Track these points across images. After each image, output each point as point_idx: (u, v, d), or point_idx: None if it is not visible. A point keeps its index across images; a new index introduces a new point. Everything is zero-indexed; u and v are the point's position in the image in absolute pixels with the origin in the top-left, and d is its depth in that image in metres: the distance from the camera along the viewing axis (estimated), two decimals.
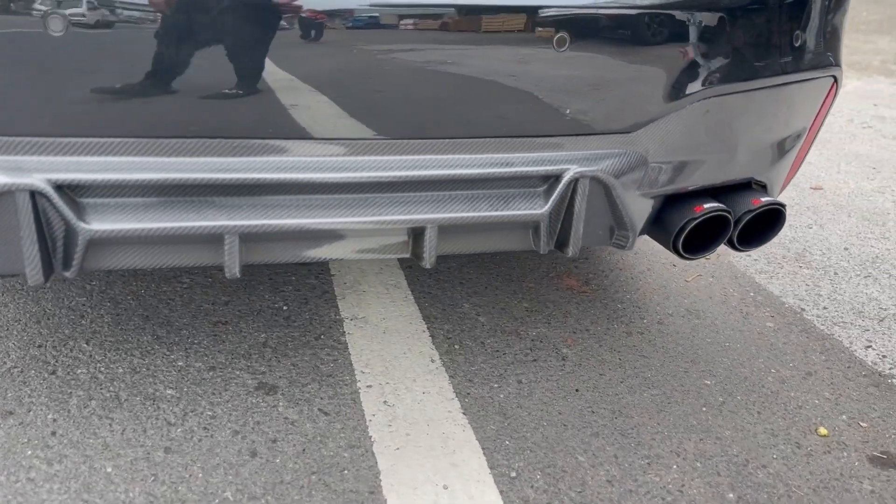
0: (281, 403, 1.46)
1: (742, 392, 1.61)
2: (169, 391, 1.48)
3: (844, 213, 2.63)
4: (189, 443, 1.34)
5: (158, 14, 0.88)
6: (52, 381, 1.48)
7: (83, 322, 1.69)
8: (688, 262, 2.26)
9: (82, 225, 0.91)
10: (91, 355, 1.57)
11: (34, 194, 0.90)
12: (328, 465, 1.31)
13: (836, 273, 2.21)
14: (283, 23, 0.92)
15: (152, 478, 1.25)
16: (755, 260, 2.28)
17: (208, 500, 1.22)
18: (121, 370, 1.53)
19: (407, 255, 1.13)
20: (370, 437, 1.39)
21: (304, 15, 0.93)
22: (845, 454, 1.44)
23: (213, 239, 1.00)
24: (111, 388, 1.47)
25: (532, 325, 1.82)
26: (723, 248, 2.39)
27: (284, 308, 1.82)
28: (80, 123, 0.90)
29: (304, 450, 1.35)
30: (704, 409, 1.55)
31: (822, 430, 1.50)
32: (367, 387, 1.53)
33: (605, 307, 1.94)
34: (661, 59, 1.08)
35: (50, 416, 1.38)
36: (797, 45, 1.20)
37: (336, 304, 1.86)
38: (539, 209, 1.08)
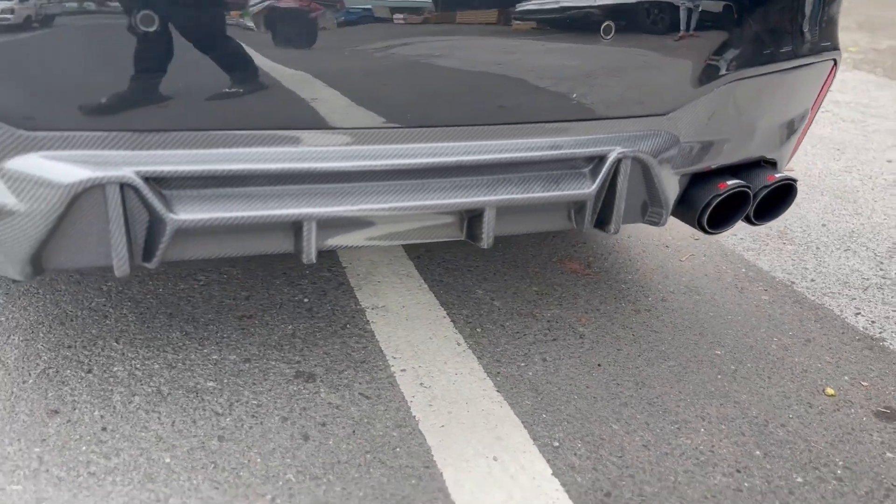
0: (322, 390, 1.50)
1: (751, 360, 1.72)
2: (210, 383, 1.50)
3: (817, 192, 2.78)
4: (240, 431, 1.37)
5: (238, 14, 0.92)
6: (90, 380, 1.48)
7: (108, 322, 1.69)
8: (679, 243, 2.37)
9: (171, 215, 0.94)
10: (123, 353, 1.57)
11: (123, 187, 0.93)
12: (380, 444, 1.36)
13: (817, 248, 2.34)
14: (363, 18, 0.96)
15: (212, 465, 1.28)
16: (741, 239, 2.40)
17: (272, 482, 1.25)
18: (157, 366, 1.54)
19: (461, 237, 1.19)
20: (414, 416, 1.44)
21: (383, 8, 0.97)
22: (853, 411, 1.55)
23: (290, 226, 1.03)
24: (151, 383, 1.48)
25: (545, 307, 1.89)
26: None
27: (305, 300, 1.85)
28: (165, 118, 0.93)
29: (353, 431, 1.39)
30: (719, 376, 1.64)
31: (829, 391, 1.61)
32: (402, 371, 1.58)
33: (610, 288, 2.03)
34: (694, 46, 1.16)
35: (97, 413, 1.39)
36: (807, 30, 1.30)
37: (354, 295, 1.90)
38: (587, 189, 1.15)
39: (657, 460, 1.37)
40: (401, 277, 2.01)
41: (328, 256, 2.15)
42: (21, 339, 1.60)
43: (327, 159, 1.00)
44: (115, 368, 1.52)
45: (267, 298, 1.84)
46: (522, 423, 1.45)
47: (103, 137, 0.92)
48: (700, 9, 1.14)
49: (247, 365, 1.57)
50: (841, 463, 1.40)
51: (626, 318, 1.87)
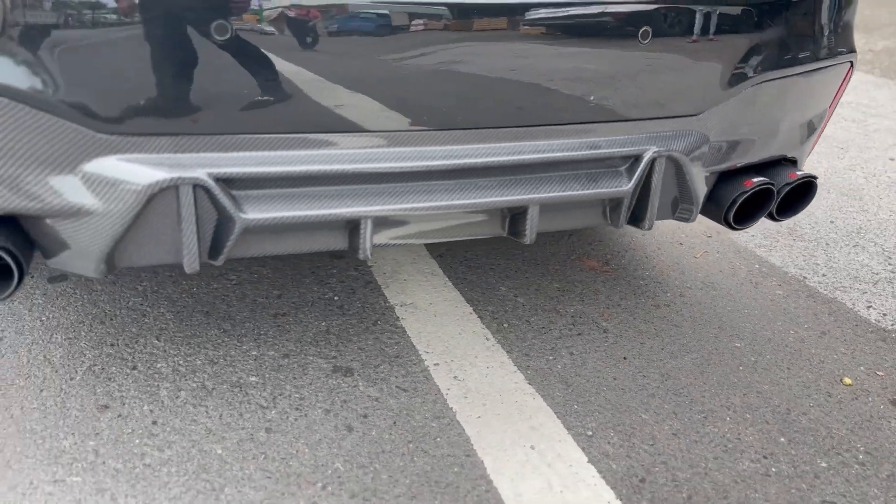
0: (360, 383, 1.55)
1: (769, 352, 1.77)
2: (252, 378, 1.55)
3: (824, 190, 2.85)
4: (286, 423, 1.42)
5: (301, 25, 0.97)
6: (136, 376, 1.53)
7: (146, 320, 1.73)
8: (693, 240, 2.43)
9: (240, 214, 0.99)
10: (165, 350, 1.62)
11: (196, 188, 0.98)
12: (420, 434, 1.41)
13: (827, 244, 2.41)
14: (406, 23, 1.01)
15: (262, 455, 1.33)
16: (752, 236, 2.46)
17: (321, 471, 1.30)
18: (199, 362, 1.59)
19: (503, 234, 1.24)
20: (451, 408, 1.49)
21: (443, 13, 1.03)
22: (870, 399, 1.61)
23: (347, 224, 1.08)
24: (195, 378, 1.53)
25: (568, 303, 1.95)
26: (719, 227, 2.57)
27: (335, 298, 1.90)
28: (234, 122, 0.98)
29: (395, 422, 1.44)
30: (741, 367, 1.70)
31: (847, 380, 1.67)
32: (435, 365, 1.63)
33: (628, 284, 2.08)
34: (723, 51, 1.21)
35: (146, 408, 1.43)
36: (826, 35, 1.36)
37: (382, 293, 1.95)
38: (623, 186, 1.21)
39: (687, 448, 1.43)
40: (426, 275, 2.06)
41: (352, 255, 2.20)
42: (64, 337, 1.64)
43: (385, 160, 1.05)
44: (159, 365, 1.57)
45: (298, 296, 1.89)
46: (556, 413, 1.50)
47: (177, 141, 0.97)
48: (729, 15, 1.20)
49: (286, 360, 1.62)
50: (862, 448, 1.46)
51: (647, 313, 1.93)
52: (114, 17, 0.90)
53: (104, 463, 1.29)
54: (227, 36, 0.94)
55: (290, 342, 1.69)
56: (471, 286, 2.01)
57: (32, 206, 0.97)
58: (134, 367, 1.55)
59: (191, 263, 1.02)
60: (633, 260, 2.26)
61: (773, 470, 1.39)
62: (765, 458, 1.42)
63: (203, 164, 0.98)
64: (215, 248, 1.04)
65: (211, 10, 0.93)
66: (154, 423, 1.40)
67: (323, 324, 1.77)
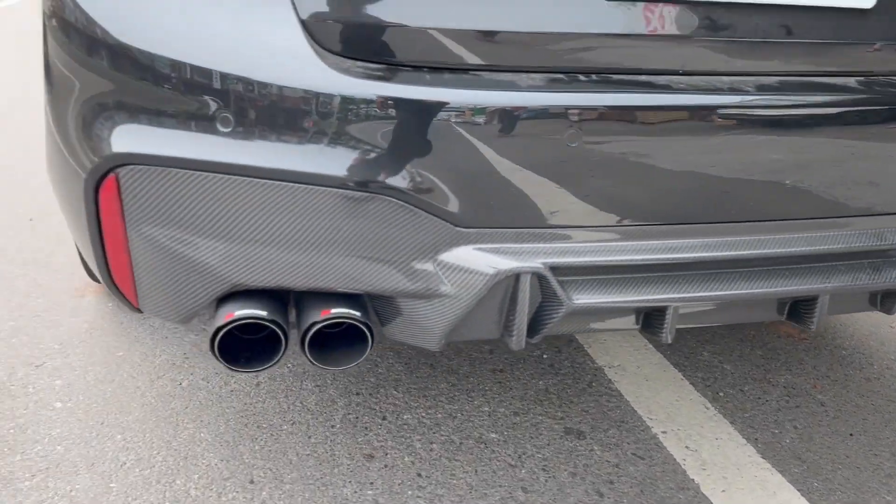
0: (595, 448, 1.61)
1: None
2: (492, 435, 1.63)
3: None
4: (538, 483, 1.49)
5: (646, 129, 1.06)
6: (388, 426, 1.64)
7: (380, 371, 1.86)
8: None
9: (570, 301, 1.08)
10: (406, 402, 1.73)
11: (534, 276, 1.08)
12: None
13: None
14: (717, 121, 1.08)
15: None
16: None
17: None
18: (440, 416, 1.69)
19: (781, 319, 1.28)
20: (692, 479, 1.53)
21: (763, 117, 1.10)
22: None
23: (649, 309, 1.16)
24: (441, 432, 1.63)
25: (776, 372, 1.95)
26: None
27: (544, 357, 1.98)
28: (571, 217, 1.08)
29: (641, 491, 1.49)
30: None
31: None
32: (663, 432, 1.68)
33: (831, 354, 2.07)
34: None
35: (406, 459, 1.54)
36: None
37: (587, 353, 2.01)
38: None
39: None
40: (625, 336, 2.11)
41: None
42: (314, 384, 1.78)
43: (695, 250, 1.12)
44: (405, 416, 1.68)
45: (508, 353, 1.98)
46: (798, 490, 1.51)
47: (520, 233, 1.07)
48: None
49: (518, 418, 1.70)
50: None
51: (860, 385, 1.91)
52: (481, 143, 1.02)
53: None
54: (575, 144, 1.04)
55: (516, 399, 1.77)
56: (672, 349, 2.05)
57: (394, 288, 1.09)
58: (384, 418, 1.67)
59: (518, 342, 1.12)
60: (827, 328, 2.24)
61: None
62: None
63: (540, 254, 1.08)
64: (534, 328, 1.14)
65: (560, 122, 1.03)
66: (419, 475, 1.50)
67: (540, 383, 1.85)
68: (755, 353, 2.05)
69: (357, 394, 1.76)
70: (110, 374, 1.79)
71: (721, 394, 1.85)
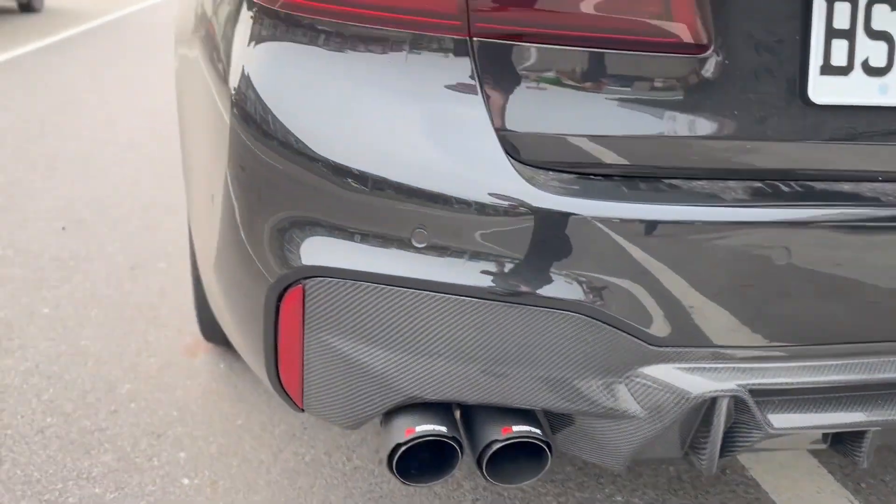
0: None
1: None
2: None
3: None
4: None
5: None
6: None
7: None
8: None
9: (767, 426, 1.02)
10: (534, 487, 1.67)
11: (732, 399, 1.01)
12: None
13: None
14: None
15: None
16: None
17: None
18: (571, 503, 1.63)
19: None
20: None
21: None
22: None
23: (845, 430, 1.09)
24: None
25: None
26: None
27: None
28: (770, 334, 1.01)
29: None
30: None
31: None
32: None
33: None
34: None
35: None
36: None
37: None
38: None
39: None
40: None
41: None
42: None
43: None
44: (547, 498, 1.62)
45: None
46: None
47: (716, 352, 1.01)
48: None
49: None
50: None
51: None
52: (684, 260, 0.97)
53: None
54: (783, 262, 0.98)
55: (648, 487, 1.70)
56: None
57: (577, 408, 1.04)
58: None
59: (710, 466, 1.06)
60: None
61: None
62: None
63: (737, 375, 1.02)
64: (724, 449, 1.08)
65: (771, 238, 0.98)
66: None
67: (670, 468, 1.77)
68: None
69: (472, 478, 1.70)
70: (233, 446, 1.77)
71: (863, 485, 1.74)
